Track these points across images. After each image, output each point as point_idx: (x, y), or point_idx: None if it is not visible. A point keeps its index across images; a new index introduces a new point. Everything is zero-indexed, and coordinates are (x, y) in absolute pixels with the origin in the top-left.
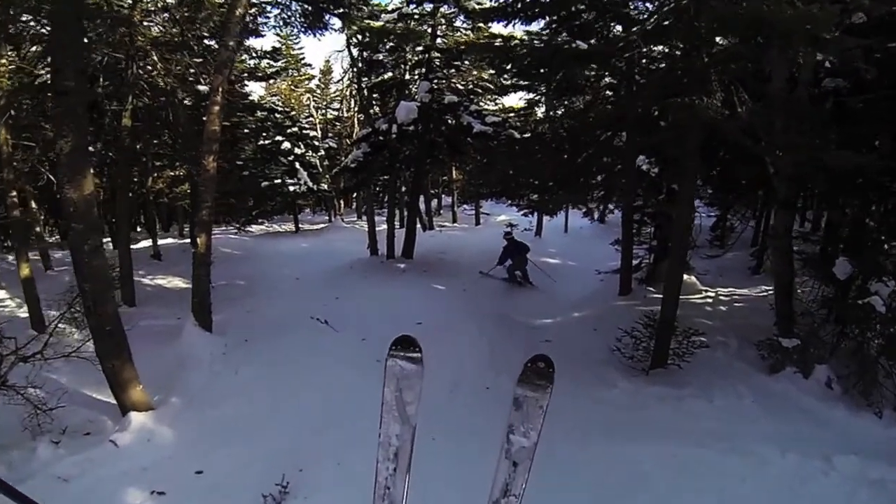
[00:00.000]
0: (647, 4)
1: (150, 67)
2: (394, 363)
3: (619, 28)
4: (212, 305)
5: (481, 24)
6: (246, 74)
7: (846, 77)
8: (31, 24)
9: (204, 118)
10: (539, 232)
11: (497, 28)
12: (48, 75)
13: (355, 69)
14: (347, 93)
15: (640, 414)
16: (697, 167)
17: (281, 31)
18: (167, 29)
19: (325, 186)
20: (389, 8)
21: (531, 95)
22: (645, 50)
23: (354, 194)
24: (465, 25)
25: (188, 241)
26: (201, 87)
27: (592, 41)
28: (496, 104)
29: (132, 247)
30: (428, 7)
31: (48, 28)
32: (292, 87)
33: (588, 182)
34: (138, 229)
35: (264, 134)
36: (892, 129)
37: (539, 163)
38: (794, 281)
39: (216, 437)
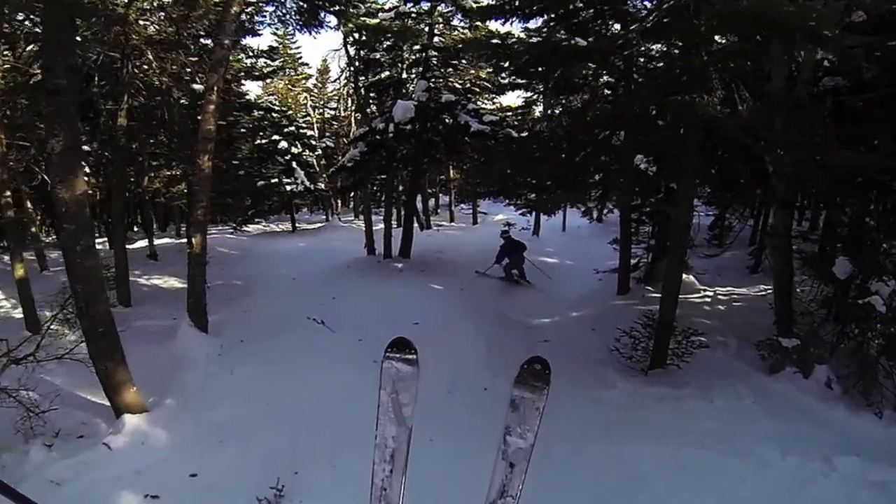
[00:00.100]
0: (646, 2)
1: (145, 66)
2: (390, 365)
3: (617, 26)
4: (207, 306)
5: (479, 23)
6: (243, 73)
7: (845, 76)
8: (27, 23)
9: (199, 117)
10: (537, 231)
11: (494, 26)
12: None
13: (352, 68)
14: (344, 92)
15: (639, 414)
16: (697, 166)
17: (276, 28)
18: (162, 28)
19: (323, 186)
20: (387, 7)
21: (529, 94)
22: (643, 49)
23: (352, 194)
24: (462, 24)
25: (185, 240)
26: (197, 86)
27: (590, 39)
28: (494, 103)
29: (129, 247)
30: (425, 6)
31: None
32: (289, 86)
33: (586, 181)
34: (135, 229)
35: (261, 133)
36: (893, 128)
37: (537, 162)
38: (793, 280)
39: (211, 438)
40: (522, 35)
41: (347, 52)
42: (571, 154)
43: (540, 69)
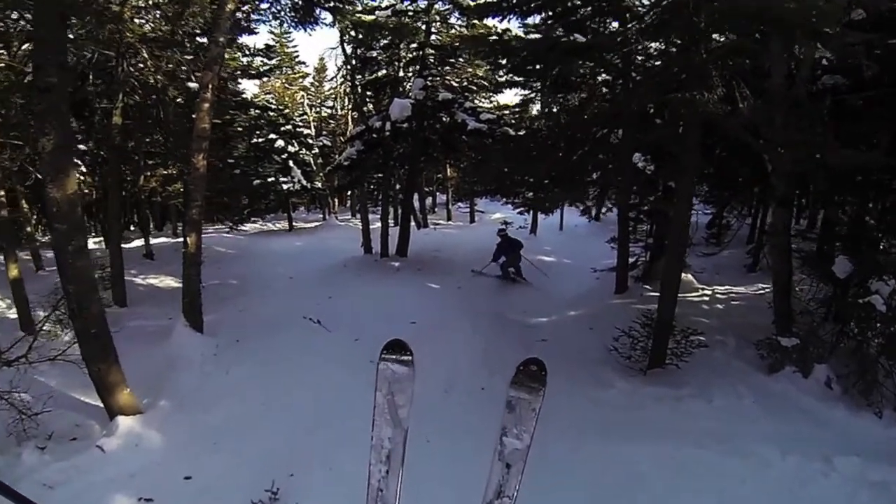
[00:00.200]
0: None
1: (140, 65)
2: (385, 366)
3: (615, 24)
4: (203, 305)
5: (476, 21)
6: (239, 72)
7: (845, 74)
8: (21, 21)
9: (194, 115)
10: (534, 230)
11: (492, 23)
12: None
13: (349, 66)
14: (341, 90)
15: (638, 414)
16: (697, 164)
17: (272, 25)
18: (157, 25)
19: (319, 184)
20: (383, 4)
21: (526, 92)
22: (640, 48)
23: (349, 192)
24: (459, 22)
25: (181, 239)
26: (192, 85)
27: (589, 37)
28: (491, 101)
29: (125, 246)
30: (422, 3)
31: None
32: (286, 84)
33: (584, 180)
34: (132, 228)
35: (257, 132)
36: (892, 126)
37: (534, 160)
38: (792, 279)
39: (206, 440)
40: (520, 32)
41: (344, 50)
42: (569, 152)
43: (537, 66)
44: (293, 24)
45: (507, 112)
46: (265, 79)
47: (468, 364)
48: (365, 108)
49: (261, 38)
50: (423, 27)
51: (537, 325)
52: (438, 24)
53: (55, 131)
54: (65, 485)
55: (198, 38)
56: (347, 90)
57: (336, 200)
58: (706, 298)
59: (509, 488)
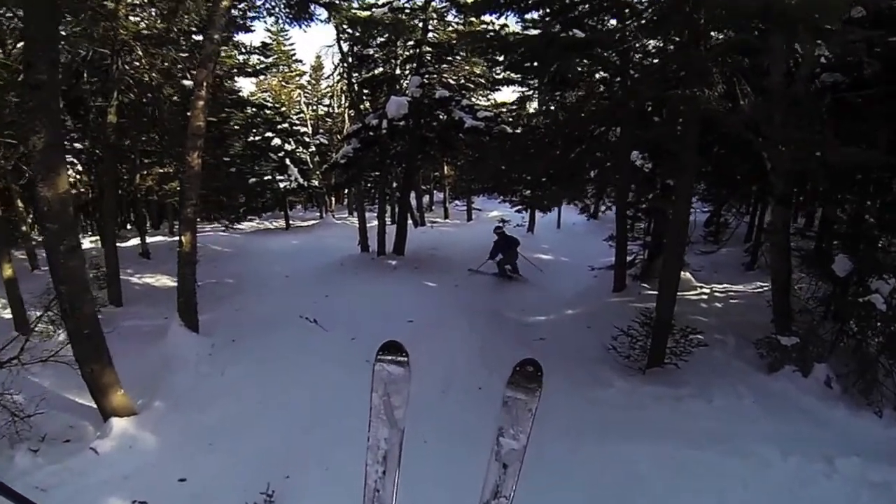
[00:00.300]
0: None
1: (136, 63)
2: (381, 368)
3: (613, 22)
4: (199, 304)
5: (473, 19)
6: (235, 70)
7: (844, 72)
8: (15, 20)
9: (188, 113)
10: (532, 228)
11: (489, 19)
12: None
13: (346, 64)
14: (338, 88)
15: (637, 414)
16: (696, 162)
17: (265, 21)
18: (152, 23)
19: (316, 183)
20: (380, 2)
21: (523, 90)
22: (639, 45)
23: (346, 191)
24: (456, 19)
25: (177, 238)
26: (187, 82)
27: (587, 33)
28: (488, 99)
29: (122, 245)
30: (419, 0)
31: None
32: (283, 83)
33: (582, 178)
34: (128, 227)
35: (254, 130)
36: (893, 125)
37: (532, 158)
38: (791, 277)
39: (201, 441)
40: (518, 28)
41: (340, 48)
42: (567, 150)
43: (535, 64)
44: (288, 20)
45: (504, 110)
46: (262, 77)
47: (466, 363)
48: (362, 106)
49: (257, 35)
50: (420, 25)
51: (535, 323)
52: (435, 21)
53: (46, 129)
54: (58, 487)
55: (193, 36)
56: (344, 88)
57: (333, 199)
58: (704, 297)
59: (506, 488)
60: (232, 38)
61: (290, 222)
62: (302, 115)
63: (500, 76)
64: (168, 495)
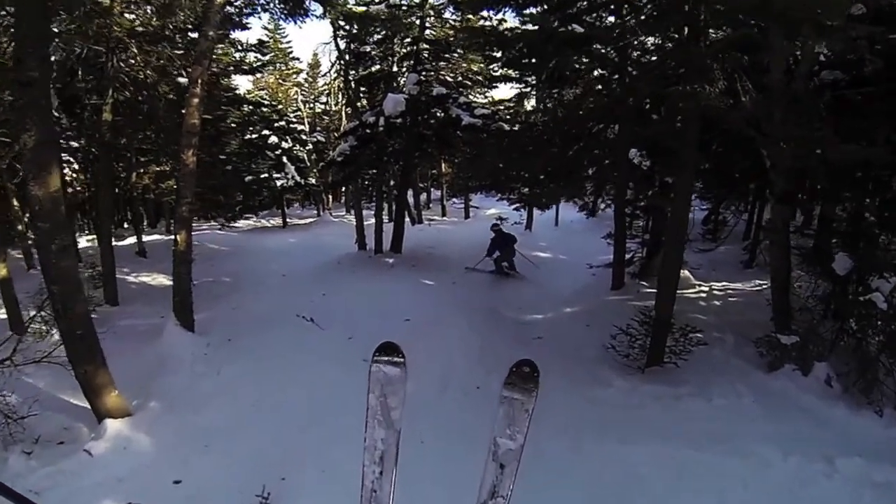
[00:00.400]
0: None
1: (131, 60)
2: (377, 369)
3: (611, 19)
4: (195, 303)
5: (471, 16)
6: (232, 68)
7: (844, 69)
8: (10, 18)
9: (183, 111)
10: (529, 226)
11: (486, 14)
12: None
13: (343, 62)
14: (335, 86)
15: (637, 413)
16: (696, 159)
17: (260, 17)
18: (147, 20)
19: (314, 181)
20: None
21: (521, 87)
22: (637, 42)
23: (343, 188)
24: (454, 17)
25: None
26: (183, 80)
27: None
28: (486, 97)
29: (119, 243)
30: None
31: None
32: (280, 80)
33: (580, 175)
34: (125, 225)
35: (251, 128)
36: (893, 122)
37: (529, 155)
38: (790, 276)
39: (196, 442)
40: (517, 22)
41: (337, 45)
42: (565, 148)
43: (533, 60)
44: (283, 16)
45: (501, 107)
46: (258, 75)
47: (464, 361)
48: (359, 104)
49: (254, 33)
50: (418, 22)
51: (533, 321)
52: (433, 18)
53: (37, 127)
54: (52, 490)
55: (189, 34)
56: (341, 85)
57: (330, 197)
58: (703, 295)
59: (503, 488)
60: (228, 36)
61: (288, 220)
62: (299, 112)
63: (498, 73)
64: (163, 497)
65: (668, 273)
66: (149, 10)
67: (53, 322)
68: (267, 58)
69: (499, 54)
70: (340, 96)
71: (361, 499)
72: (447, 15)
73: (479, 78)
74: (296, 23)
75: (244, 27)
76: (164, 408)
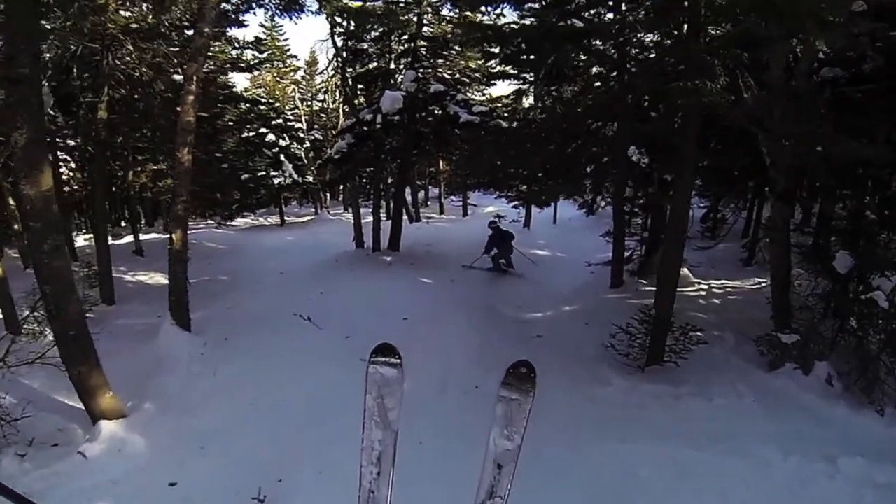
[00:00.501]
0: None
1: (126, 58)
2: (374, 370)
3: (609, 16)
4: (191, 302)
5: (468, 13)
6: (228, 65)
7: (844, 66)
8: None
9: (178, 108)
10: (528, 223)
11: (484, 9)
12: None
13: (340, 59)
14: (332, 83)
15: (636, 412)
16: (696, 156)
17: (255, 13)
18: (142, 17)
19: (311, 178)
20: None
21: (519, 84)
22: (636, 38)
23: (341, 186)
24: (452, 13)
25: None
26: (178, 77)
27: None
28: (483, 94)
29: (116, 242)
30: None
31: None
32: (277, 78)
33: (579, 172)
34: (122, 224)
35: (248, 126)
36: (893, 120)
37: (528, 152)
38: (790, 274)
39: (192, 443)
40: (515, 16)
41: (334, 42)
42: (563, 145)
43: (531, 56)
44: (278, 11)
45: (499, 104)
46: (256, 72)
47: (462, 360)
48: (356, 101)
49: (251, 30)
50: (415, 18)
51: (532, 320)
52: (430, 15)
53: (28, 125)
54: (46, 493)
55: (185, 31)
56: (338, 83)
57: (328, 194)
58: (702, 293)
59: (501, 488)
60: (225, 33)
61: (285, 218)
62: (296, 110)
63: (496, 70)
64: (158, 500)
65: (667, 271)
66: (144, 7)
67: (47, 322)
68: (264, 55)
69: (497, 50)
70: (338, 94)
71: (359, 500)
72: (445, 11)
73: (477, 75)
74: (291, 18)
75: (241, 24)
76: (160, 408)
